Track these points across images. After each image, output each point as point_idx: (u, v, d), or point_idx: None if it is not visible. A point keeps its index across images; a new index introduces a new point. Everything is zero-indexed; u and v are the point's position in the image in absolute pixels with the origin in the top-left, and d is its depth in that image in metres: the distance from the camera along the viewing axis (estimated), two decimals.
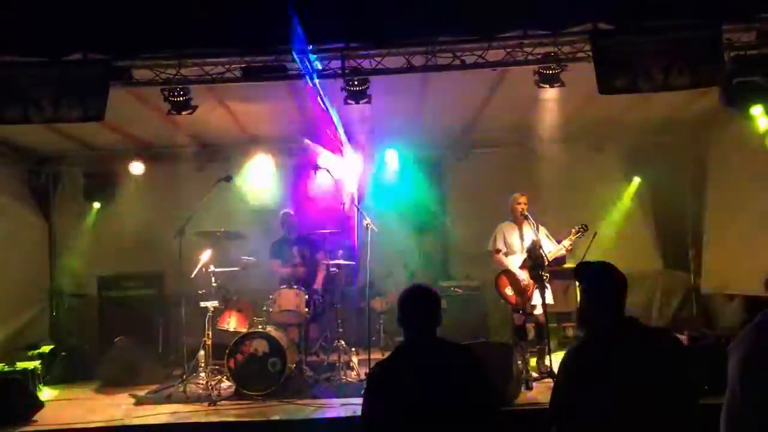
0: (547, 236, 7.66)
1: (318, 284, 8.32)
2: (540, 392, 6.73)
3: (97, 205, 10.06)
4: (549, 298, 7.33)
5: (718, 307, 9.27)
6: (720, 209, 9.21)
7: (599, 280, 3.14)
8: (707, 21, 5.92)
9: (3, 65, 6.17)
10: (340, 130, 8.12)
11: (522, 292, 7.57)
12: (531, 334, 7.82)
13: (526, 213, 7.58)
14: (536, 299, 7.42)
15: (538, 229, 7.50)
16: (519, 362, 6.73)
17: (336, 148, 8.57)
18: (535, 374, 7.24)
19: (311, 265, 8.47)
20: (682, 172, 9.72)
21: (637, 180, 9.79)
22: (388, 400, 3.13)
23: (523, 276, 7.57)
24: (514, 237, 7.78)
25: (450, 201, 10.15)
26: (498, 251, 7.82)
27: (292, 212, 8.71)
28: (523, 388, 6.64)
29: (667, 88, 6.11)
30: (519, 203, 7.66)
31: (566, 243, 7.49)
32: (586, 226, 7.46)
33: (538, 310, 7.42)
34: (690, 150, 9.68)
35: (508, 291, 7.65)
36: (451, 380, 3.16)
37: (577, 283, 3.44)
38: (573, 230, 7.45)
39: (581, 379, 2.95)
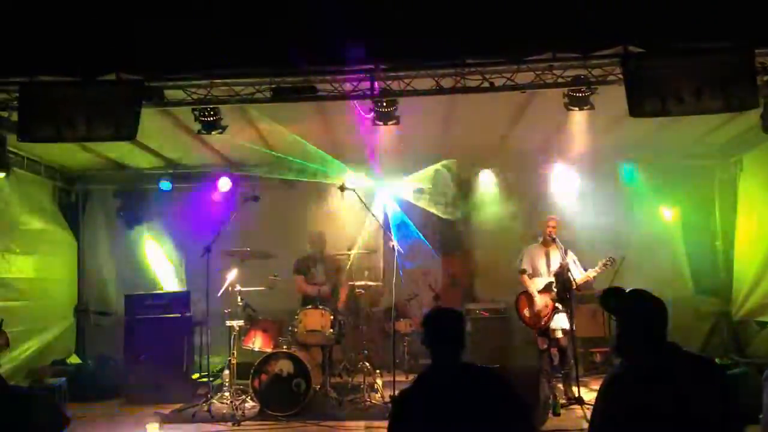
0: (575, 262, 7.56)
1: (341, 303, 8.27)
2: (567, 418, 6.62)
3: (125, 223, 10.13)
4: (565, 323, 7.25)
5: (750, 334, 9.09)
6: (751, 235, 9.06)
7: (641, 310, 3.02)
8: (740, 44, 5.85)
9: (38, 84, 6.29)
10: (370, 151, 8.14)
11: (536, 316, 7.51)
12: (556, 360, 7.72)
13: (554, 236, 7.51)
14: (556, 323, 7.35)
15: (566, 253, 7.42)
16: (546, 387, 6.64)
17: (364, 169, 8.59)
18: (562, 400, 7.14)
19: (335, 285, 8.44)
20: (712, 197, 9.59)
21: (664, 209, 9.63)
22: (415, 426, 3.08)
23: (540, 301, 7.50)
24: (540, 260, 7.71)
25: (476, 223, 10.07)
26: (524, 272, 7.76)
27: (319, 231, 8.70)
28: (550, 414, 6.55)
29: (699, 112, 6.05)
30: (548, 226, 7.60)
31: (591, 273, 7.37)
32: (613, 259, 7.35)
33: (559, 335, 7.34)
34: (720, 174, 9.57)
35: (526, 312, 7.64)
36: (478, 405, 3.10)
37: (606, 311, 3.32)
38: (600, 262, 7.35)
39: (622, 408, 2.85)
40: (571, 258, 7.52)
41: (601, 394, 2.99)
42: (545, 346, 7.52)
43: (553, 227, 7.57)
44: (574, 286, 7.22)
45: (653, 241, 9.42)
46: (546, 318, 7.43)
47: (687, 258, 9.73)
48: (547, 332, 7.46)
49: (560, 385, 7.51)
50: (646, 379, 2.86)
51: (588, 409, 6.37)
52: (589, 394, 6.84)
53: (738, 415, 2.88)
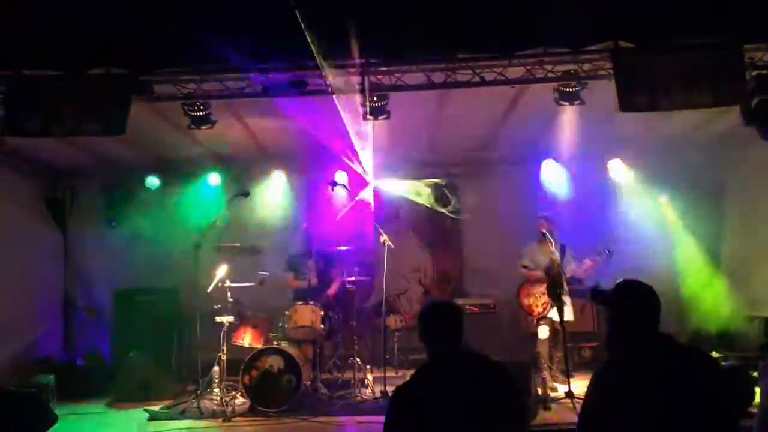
0: (573, 257, 7.70)
1: (331, 293, 8.28)
2: (558, 412, 6.65)
3: (113, 219, 10.05)
4: (568, 316, 7.37)
5: (739, 328, 9.14)
6: (739, 229, 9.12)
7: (635, 300, 3.00)
8: (729, 40, 5.89)
9: (25, 78, 6.22)
10: (360, 147, 8.10)
11: (536, 299, 7.78)
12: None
13: (543, 231, 7.60)
14: (553, 313, 7.55)
15: (564, 250, 7.53)
16: (538, 382, 6.70)
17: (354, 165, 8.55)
18: (553, 394, 7.17)
19: (326, 280, 8.43)
20: (701, 192, 9.62)
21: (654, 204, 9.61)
22: (415, 421, 3.07)
23: (539, 289, 7.76)
24: (541, 256, 7.88)
25: (466, 218, 10.07)
26: (525, 267, 8.02)
27: (311, 227, 8.68)
28: (541, 408, 6.57)
29: (688, 107, 6.10)
30: (540, 224, 7.79)
31: (588, 261, 7.61)
32: (610, 250, 7.47)
33: (556, 318, 7.49)
34: (709, 170, 9.59)
35: (526, 301, 7.88)
36: (480, 391, 3.11)
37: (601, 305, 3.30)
38: (597, 252, 7.58)
39: (613, 398, 2.85)
40: (570, 254, 7.68)
41: (592, 385, 2.98)
42: (546, 336, 7.68)
43: (541, 225, 7.76)
44: (564, 279, 7.37)
45: (641, 236, 9.43)
46: (544, 304, 7.64)
47: (676, 251, 9.75)
48: (546, 320, 7.66)
49: (550, 379, 7.61)
50: (636, 370, 2.84)
51: (578, 402, 6.39)
52: (579, 389, 6.86)
53: (731, 407, 2.89)
